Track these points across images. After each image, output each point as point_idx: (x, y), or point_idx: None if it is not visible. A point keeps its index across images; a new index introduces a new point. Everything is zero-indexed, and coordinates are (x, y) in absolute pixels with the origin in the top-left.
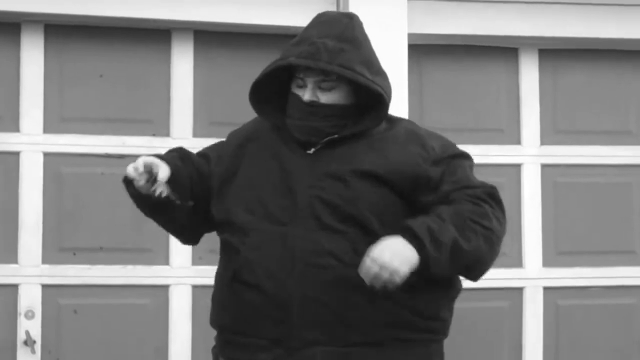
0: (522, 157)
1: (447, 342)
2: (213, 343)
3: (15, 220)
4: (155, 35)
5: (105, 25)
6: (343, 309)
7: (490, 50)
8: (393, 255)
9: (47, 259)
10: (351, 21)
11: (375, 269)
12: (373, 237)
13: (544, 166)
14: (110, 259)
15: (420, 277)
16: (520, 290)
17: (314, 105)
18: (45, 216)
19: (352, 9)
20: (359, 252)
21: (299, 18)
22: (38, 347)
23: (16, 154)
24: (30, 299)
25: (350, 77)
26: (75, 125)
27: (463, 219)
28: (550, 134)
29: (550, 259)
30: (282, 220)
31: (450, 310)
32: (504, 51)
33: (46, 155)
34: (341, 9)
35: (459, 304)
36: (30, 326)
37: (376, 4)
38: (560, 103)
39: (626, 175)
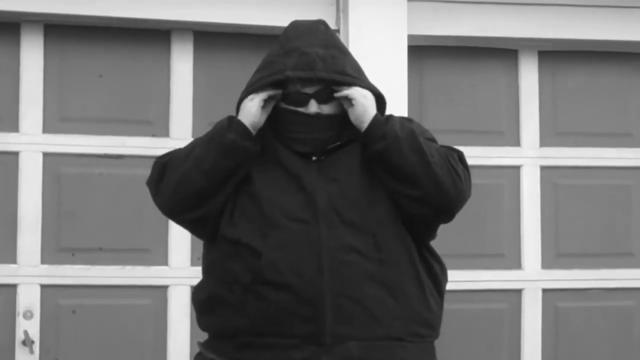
0: (522, 158)
1: (446, 344)
2: None
3: (14, 220)
4: (155, 35)
5: (105, 26)
6: (370, 303)
7: (490, 51)
8: (369, 101)
9: (46, 259)
10: (324, 26)
11: (356, 93)
12: (392, 230)
13: (544, 168)
14: (109, 260)
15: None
16: (519, 292)
17: (319, 117)
18: (45, 216)
19: (352, 10)
20: (381, 247)
21: (299, 19)
22: (36, 347)
23: (15, 154)
24: (29, 299)
25: (346, 82)
26: (74, 126)
27: (434, 146)
28: (550, 136)
29: (550, 260)
30: (303, 218)
31: (441, 306)
32: (503, 53)
33: (45, 155)
34: (341, 11)
35: (458, 306)
36: (28, 326)
37: (376, 5)
38: (559, 105)
39: (626, 178)
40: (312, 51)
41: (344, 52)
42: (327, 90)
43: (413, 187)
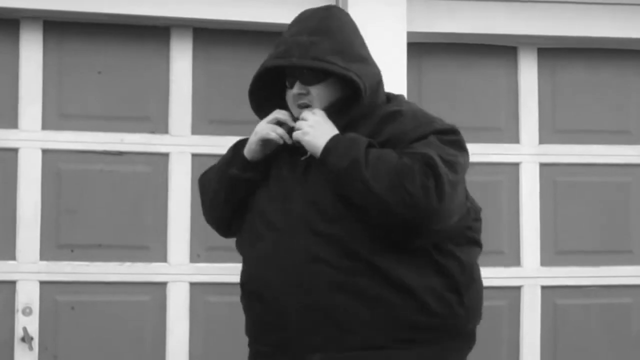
0: (521, 155)
1: None
2: (209, 340)
3: (13, 217)
4: (154, 32)
5: (104, 22)
6: (338, 314)
7: (490, 48)
8: (321, 127)
9: (45, 255)
10: (327, 12)
11: (309, 121)
12: (364, 239)
13: (543, 165)
14: (108, 256)
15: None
16: (518, 289)
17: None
18: (44, 213)
19: (351, 7)
20: (353, 256)
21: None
22: (35, 343)
23: (14, 151)
24: (28, 295)
25: (319, 67)
26: (73, 122)
27: (386, 162)
28: (549, 133)
29: (549, 258)
30: (280, 228)
31: (462, 304)
32: (503, 50)
33: (45, 151)
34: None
35: None
36: (27, 323)
37: (375, 3)
38: (559, 102)
39: (625, 175)
40: (293, 39)
41: (331, 36)
42: (314, 73)
43: (365, 213)
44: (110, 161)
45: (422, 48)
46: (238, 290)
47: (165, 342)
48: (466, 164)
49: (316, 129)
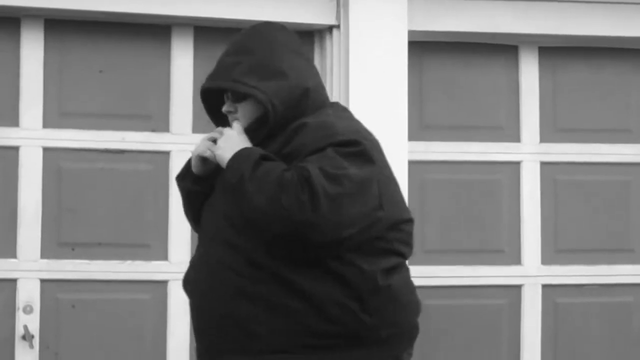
0: (522, 154)
1: (446, 339)
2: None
3: (14, 215)
4: (155, 30)
5: (105, 21)
6: (245, 320)
7: (491, 47)
8: (232, 144)
9: (45, 253)
10: (252, 30)
11: (220, 141)
12: (266, 249)
13: (543, 164)
14: (109, 254)
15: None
16: (518, 287)
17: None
18: (44, 211)
19: (352, 6)
20: (254, 265)
21: (299, 14)
22: (36, 341)
23: (15, 149)
24: (28, 293)
25: (230, 89)
26: (74, 121)
27: (268, 176)
28: (550, 132)
29: (549, 256)
30: (207, 236)
31: (368, 312)
32: (504, 48)
33: (45, 150)
34: (341, 6)
35: (458, 301)
36: (28, 321)
37: (376, 1)
38: (560, 101)
39: (625, 173)
40: (221, 60)
41: (251, 55)
42: (237, 92)
43: (254, 226)
44: (111, 159)
45: (423, 46)
46: None
47: (165, 341)
48: (366, 175)
49: (227, 144)
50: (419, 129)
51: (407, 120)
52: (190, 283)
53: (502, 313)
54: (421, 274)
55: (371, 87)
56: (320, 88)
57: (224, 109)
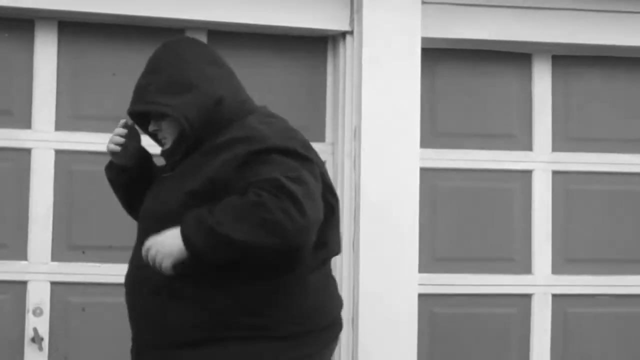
0: (534, 163)
1: (455, 347)
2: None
3: (25, 217)
4: (168, 34)
5: (119, 24)
6: (159, 314)
7: (504, 55)
8: (164, 242)
9: (56, 256)
10: (162, 48)
11: (152, 252)
12: None
13: (555, 173)
14: (119, 257)
15: (198, 262)
16: (529, 297)
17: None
18: (56, 214)
19: (366, 12)
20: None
21: (313, 20)
22: (46, 344)
23: (27, 151)
24: (38, 296)
25: (142, 110)
26: (87, 123)
27: (235, 209)
28: (562, 141)
29: (560, 266)
30: (138, 233)
31: (280, 305)
32: (517, 57)
33: (57, 152)
34: (355, 13)
35: (468, 309)
36: (38, 323)
37: (390, 8)
38: (572, 110)
39: (637, 184)
40: (137, 82)
41: (160, 74)
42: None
43: (256, 263)
44: None
45: (436, 54)
46: None
47: None
48: (313, 169)
49: (163, 247)
50: (431, 136)
51: (420, 127)
52: (125, 277)
53: (511, 322)
54: (431, 282)
55: (384, 93)
56: (239, 95)
57: (149, 129)
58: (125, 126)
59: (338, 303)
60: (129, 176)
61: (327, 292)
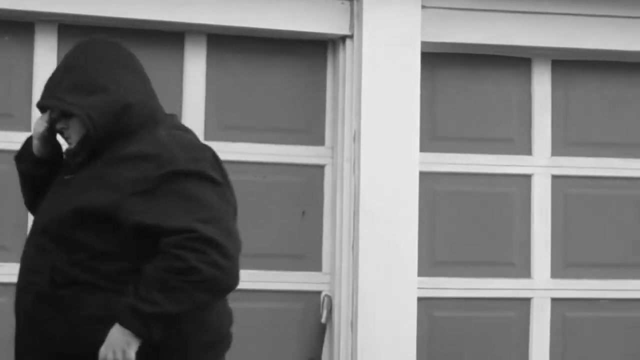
0: (533, 167)
1: (455, 351)
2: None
3: (24, 221)
4: (168, 37)
5: (119, 27)
6: (41, 323)
7: (503, 60)
8: (117, 344)
9: None
10: (78, 47)
11: (110, 357)
12: (66, 254)
13: (555, 177)
14: None
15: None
16: (528, 301)
17: (65, 137)
18: None
19: (366, 16)
20: (58, 269)
21: (313, 24)
22: None
23: None
24: None
25: (49, 106)
26: None
27: (164, 282)
28: (562, 145)
29: (559, 270)
30: (30, 239)
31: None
32: (517, 61)
33: None
34: (355, 16)
35: (467, 313)
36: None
37: (390, 12)
38: (572, 114)
39: (637, 188)
40: (50, 77)
41: (73, 71)
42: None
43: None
44: None
45: (436, 58)
46: (248, 296)
47: None
48: (223, 193)
49: (118, 346)
50: (430, 140)
51: (419, 131)
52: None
53: (510, 326)
54: (430, 285)
55: (383, 97)
56: (150, 103)
57: (57, 126)
58: (49, 119)
59: (227, 319)
60: (42, 172)
61: (214, 310)
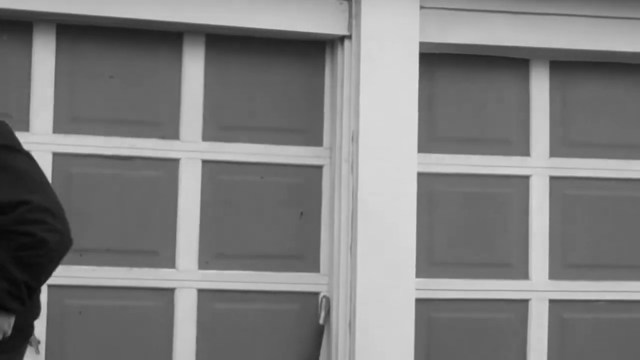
0: (531, 168)
1: (452, 352)
2: (216, 347)
3: None
4: (167, 37)
5: (117, 27)
6: None
7: (502, 61)
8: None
9: None
10: None
11: None
12: None
13: (553, 178)
14: (116, 261)
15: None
16: (526, 302)
17: None
18: None
19: (364, 17)
20: None
21: (311, 24)
22: (43, 347)
23: None
24: None
25: None
26: (84, 126)
27: (21, 258)
28: (560, 146)
29: (557, 271)
30: None
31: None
32: (515, 62)
33: (55, 155)
34: (353, 17)
35: (465, 315)
36: (35, 326)
37: (388, 13)
38: (570, 115)
39: (635, 189)
40: None
41: None
42: None
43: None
44: (121, 166)
45: (434, 58)
46: (246, 297)
47: (172, 349)
48: (24, 153)
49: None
50: (428, 141)
51: (417, 132)
52: None
53: (508, 327)
54: (428, 287)
55: (382, 98)
56: None
57: None
58: None
59: (34, 312)
60: None
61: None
